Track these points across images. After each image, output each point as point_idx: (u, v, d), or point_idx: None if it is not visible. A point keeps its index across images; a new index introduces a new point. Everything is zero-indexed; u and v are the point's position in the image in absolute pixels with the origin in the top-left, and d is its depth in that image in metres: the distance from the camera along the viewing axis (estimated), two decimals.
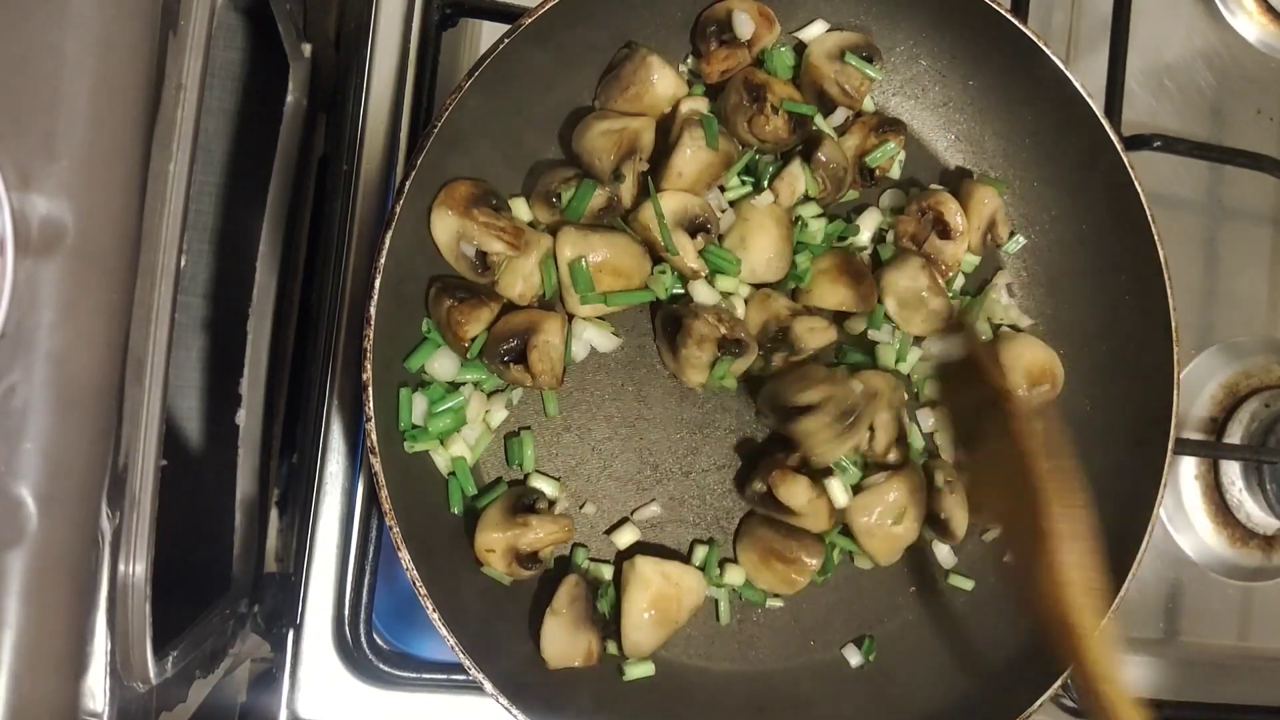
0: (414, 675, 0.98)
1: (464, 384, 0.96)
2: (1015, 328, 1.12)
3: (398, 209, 0.86)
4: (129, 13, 0.54)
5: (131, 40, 0.54)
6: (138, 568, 0.58)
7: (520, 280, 0.96)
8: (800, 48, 1.06)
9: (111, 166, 0.53)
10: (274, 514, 0.98)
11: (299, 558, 0.98)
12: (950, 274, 1.08)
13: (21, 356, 0.50)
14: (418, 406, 0.93)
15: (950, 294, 1.07)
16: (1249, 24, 1.37)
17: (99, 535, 0.55)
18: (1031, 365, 1.07)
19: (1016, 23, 1.00)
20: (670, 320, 0.99)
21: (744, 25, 1.00)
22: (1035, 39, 1.01)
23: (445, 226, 0.93)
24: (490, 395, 0.98)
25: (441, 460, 0.96)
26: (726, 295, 1.02)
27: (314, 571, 0.98)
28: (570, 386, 1.01)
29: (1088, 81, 1.03)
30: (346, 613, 0.97)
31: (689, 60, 1.05)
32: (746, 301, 1.03)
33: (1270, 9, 1.36)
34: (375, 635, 0.99)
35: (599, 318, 1.01)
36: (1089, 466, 1.08)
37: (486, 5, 1.06)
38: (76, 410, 0.52)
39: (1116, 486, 1.03)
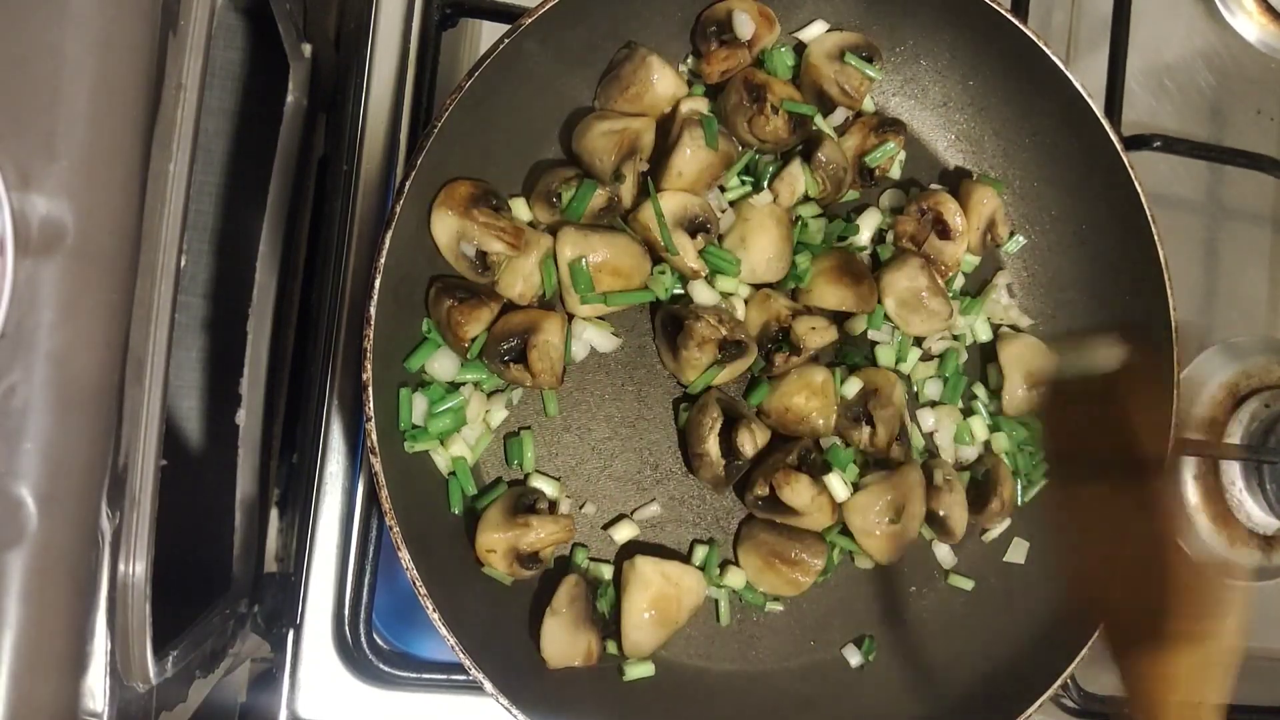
0: (414, 675, 0.98)
1: (464, 384, 0.96)
2: (1015, 328, 1.12)
3: (398, 209, 0.86)
4: (129, 13, 0.54)
5: (131, 40, 0.54)
6: (138, 568, 0.58)
7: (520, 280, 0.96)
8: (800, 48, 1.06)
9: (111, 166, 0.53)
10: (274, 514, 0.98)
11: (299, 558, 0.98)
12: (950, 274, 1.08)
13: (21, 356, 0.50)
14: (418, 406, 0.93)
15: (950, 294, 1.07)
16: (1249, 24, 1.37)
17: (99, 535, 0.54)
18: (1031, 366, 1.07)
19: (1017, 22, 1.00)
20: (670, 321, 0.99)
21: (744, 25, 1.00)
22: (1035, 39, 1.01)
23: (445, 226, 0.93)
24: (490, 395, 0.98)
25: (441, 460, 0.96)
26: (726, 295, 1.02)
27: (314, 571, 0.98)
28: (570, 386, 1.01)
29: (1088, 81, 1.03)
30: (346, 613, 0.97)
31: (689, 60, 1.05)
32: (746, 302, 1.03)
33: (1270, 9, 1.36)
34: (375, 635, 0.99)
35: (599, 318, 1.01)
36: None
37: (486, 5, 1.06)
38: (76, 410, 0.52)
39: None
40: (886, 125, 1.06)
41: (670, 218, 0.97)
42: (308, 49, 0.95)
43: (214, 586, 0.87)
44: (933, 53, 1.08)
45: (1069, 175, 1.08)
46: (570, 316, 0.99)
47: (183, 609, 0.74)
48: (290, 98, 0.95)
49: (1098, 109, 1.02)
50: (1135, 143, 1.17)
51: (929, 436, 1.08)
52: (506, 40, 0.88)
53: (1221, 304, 1.33)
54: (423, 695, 1.00)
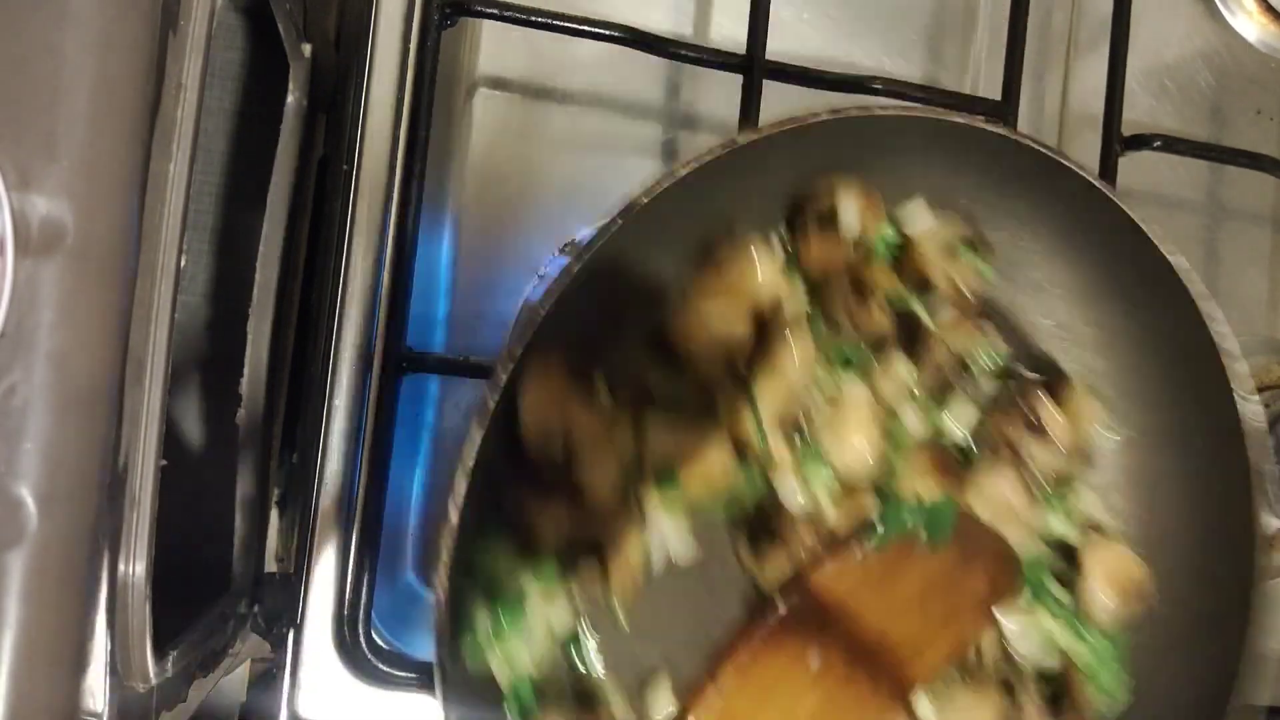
0: (414, 675, 0.98)
1: (530, 590, 0.87)
2: (1099, 529, 1.02)
3: (494, 401, 0.75)
4: (129, 13, 0.54)
5: (131, 40, 0.54)
6: (138, 568, 0.58)
7: (601, 471, 0.88)
8: (896, 221, 0.98)
9: (111, 166, 0.53)
10: (274, 514, 0.98)
11: (299, 557, 0.98)
12: (1043, 478, 0.99)
13: (21, 356, 0.50)
14: (483, 623, 0.84)
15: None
16: (1249, 24, 1.37)
17: (99, 535, 0.55)
18: (1118, 573, 0.99)
19: (1124, 208, 0.91)
20: (758, 524, 0.94)
21: (851, 221, 0.93)
22: (1147, 231, 0.91)
23: (533, 407, 0.84)
24: (554, 601, 0.88)
25: (503, 676, 0.85)
26: (816, 494, 0.94)
27: (314, 571, 0.98)
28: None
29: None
30: (346, 613, 0.97)
31: (782, 231, 0.96)
32: (835, 498, 0.95)
33: (1270, 9, 1.36)
34: (375, 635, 0.99)
35: (680, 514, 0.92)
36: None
37: (487, 5, 1.06)
38: (76, 410, 0.52)
39: None
40: (985, 314, 0.99)
41: (767, 417, 0.91)
42: (308, 49, 0.95)
43: (214, 586, 0.87)
44: (1036, 234, 0.99)
45: (1171, 374, 1.00)
46: (648, 513, 0.90)
47: (183, 609, 0.74)
48: (290, 98, 0.95)
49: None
50: (1135, 143, 1.16)
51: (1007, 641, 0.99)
52: (620, 221, 0.79)
53: (1221, 304, 1.31)
54: (423, 695, 1.00)
